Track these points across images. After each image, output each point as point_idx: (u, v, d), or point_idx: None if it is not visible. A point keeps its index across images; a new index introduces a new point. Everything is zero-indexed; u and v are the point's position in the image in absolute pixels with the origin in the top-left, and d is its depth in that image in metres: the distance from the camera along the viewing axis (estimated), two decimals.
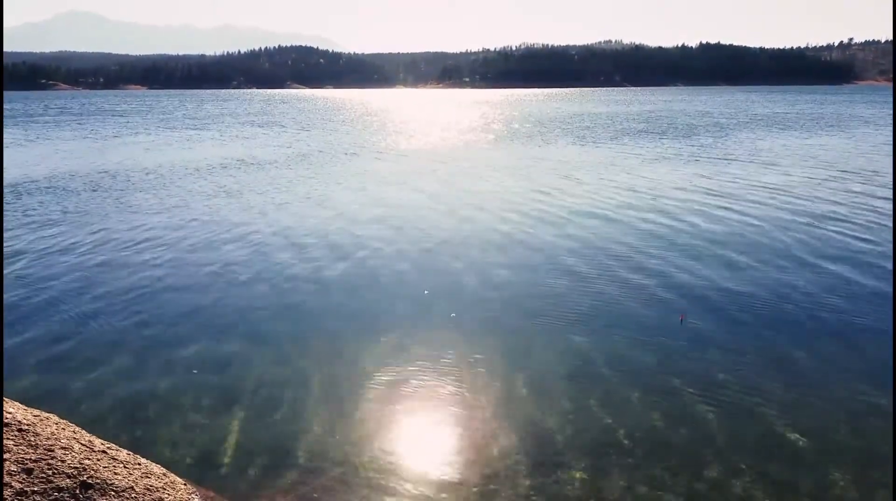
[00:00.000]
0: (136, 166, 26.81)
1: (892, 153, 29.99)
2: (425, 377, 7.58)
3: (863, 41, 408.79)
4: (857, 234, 13.95)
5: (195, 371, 7.82)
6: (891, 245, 12.86)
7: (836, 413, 6.74)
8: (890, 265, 11.56)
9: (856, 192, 19.37)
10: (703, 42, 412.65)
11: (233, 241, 13.99)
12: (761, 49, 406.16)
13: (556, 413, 6.80)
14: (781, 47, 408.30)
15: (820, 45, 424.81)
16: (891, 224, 14.85)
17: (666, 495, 5.45)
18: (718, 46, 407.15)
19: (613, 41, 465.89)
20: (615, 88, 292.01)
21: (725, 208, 16.92)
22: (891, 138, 36.94)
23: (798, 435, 6.31)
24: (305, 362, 8.07)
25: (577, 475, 5.74)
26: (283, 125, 55.84)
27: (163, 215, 16.88)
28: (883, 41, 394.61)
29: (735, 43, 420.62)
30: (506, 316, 9.59)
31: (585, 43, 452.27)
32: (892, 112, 62.21)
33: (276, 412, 6.87)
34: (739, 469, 5.77)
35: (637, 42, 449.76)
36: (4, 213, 16.75)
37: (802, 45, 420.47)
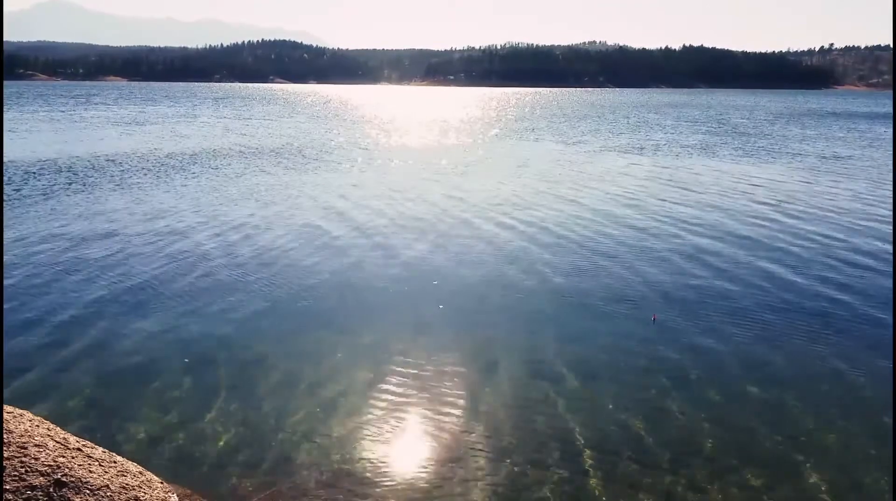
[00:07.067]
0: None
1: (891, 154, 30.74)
2: (409, 375, 7.59)
3: (843, 47, 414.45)
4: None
5: (186, 360, 7.82)
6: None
7: (816, 409, 6.86)
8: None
9: None
10: (686, 45, 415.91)
11: (227, 230, 13.90)
12: (743, 53, 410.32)
13: (542, 413, 6.84)
14: (763, 51, 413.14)
15: (801, 49, 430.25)
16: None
17: (645, 493, 5.51)
18: (701, 49, 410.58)
19: (598, 42, 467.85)
20: (598, 89, 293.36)
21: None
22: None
23: (784, 432, 6.42)
24: (286, 360, 8.03)
25: (559, 472, 5.78)
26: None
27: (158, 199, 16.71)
28: (862, 47, 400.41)
29: (717, 46, 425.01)
30: (491, 309, 9.64)
31: (570, 43, 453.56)
32: None
33: (255, 410, 6.83)
34: (727, 467, 5.85)
35: (621, 43, 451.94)
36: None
37: (784, 50, 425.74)
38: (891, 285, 10.84)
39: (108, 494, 4.15)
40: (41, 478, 3.94)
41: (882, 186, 21.86)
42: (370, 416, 6.73)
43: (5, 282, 10.59)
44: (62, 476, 4.03)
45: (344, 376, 7.59)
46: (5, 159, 25.12)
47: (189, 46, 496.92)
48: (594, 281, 11.17)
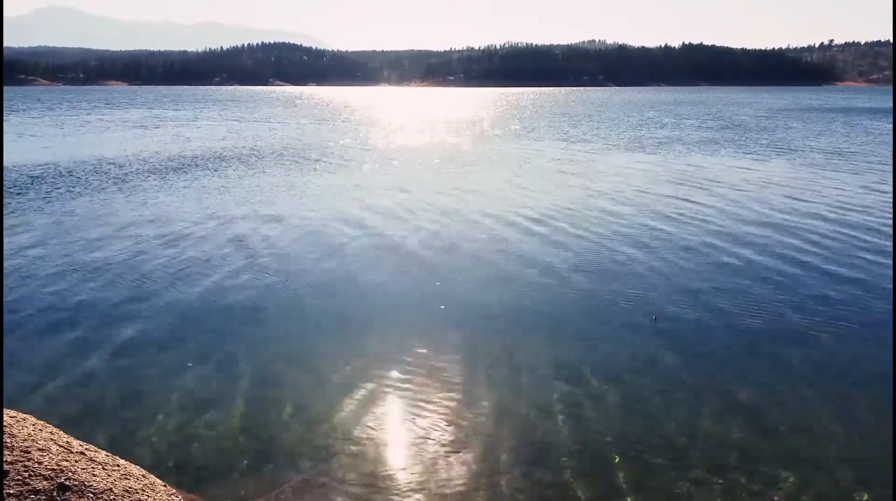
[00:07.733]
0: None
1: (891, 151, 30.66)
2: (411, 377, 7.53)
3: (842, 43, 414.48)
4: None
5: (189, 364, 7.78)
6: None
7: (825, 405, 6.80)
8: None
9: None
10: (686, 43, 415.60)
11: (229, 232, 13.87)
12: (743, 50, 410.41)
13: (537, 411, 6.79)
14: (763, 48, 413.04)
15: (800, 46, 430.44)
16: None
17: (651, 493, 5.46)
18: (700, 47, 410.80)
19: (597, 41, 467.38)
20: (599, 88, 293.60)
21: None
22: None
23: (776, 430, 6.36)
24: (288, 362, 7.98)
25: (560, 473, 5.72)
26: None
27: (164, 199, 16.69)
28: (862, 43, 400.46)
29: (717, 44, 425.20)
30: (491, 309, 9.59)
31: (569, 42, 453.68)
32: None
33: (258, 413, 6.78)
34: (725, 465, 5.79)
35: (620, 42, 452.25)
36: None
37: (783, 47, 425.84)
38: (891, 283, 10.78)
39: (112, 498, 4.10)
40: (44, 482, 3.89)
41: (885, 179, 21.79)
42: (373, 418, 6.68)
43: (6, 284, 10.56)
44: (65, 479, 3.98)
45: (345, 378, 7.53)
46: (11, 163, 25.13)
47: (188, 50, 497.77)
48: (597, 279, 11.11)
